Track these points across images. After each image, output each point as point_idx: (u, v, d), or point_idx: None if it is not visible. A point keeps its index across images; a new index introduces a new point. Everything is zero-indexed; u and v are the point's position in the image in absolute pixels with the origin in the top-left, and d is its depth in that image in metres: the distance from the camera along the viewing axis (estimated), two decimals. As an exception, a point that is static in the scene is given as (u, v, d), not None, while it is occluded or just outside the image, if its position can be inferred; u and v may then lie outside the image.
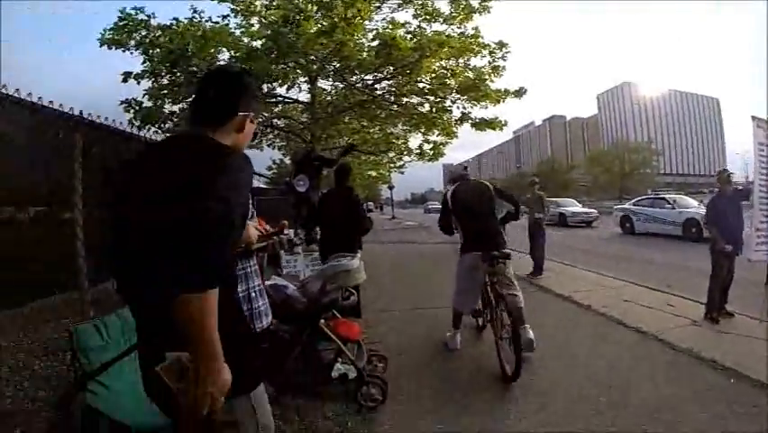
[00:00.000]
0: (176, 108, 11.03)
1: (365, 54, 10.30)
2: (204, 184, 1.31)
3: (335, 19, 9.01)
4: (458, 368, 4.75)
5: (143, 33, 10.21)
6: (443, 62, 11.47)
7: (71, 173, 3.63)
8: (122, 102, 10.35)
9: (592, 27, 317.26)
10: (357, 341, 4.16)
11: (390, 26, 11.97)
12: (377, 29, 11.39)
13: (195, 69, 9.54)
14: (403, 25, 12.05)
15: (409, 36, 11.09)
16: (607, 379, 4.31)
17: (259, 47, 9.62)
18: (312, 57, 10.16)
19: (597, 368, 4.61)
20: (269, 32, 9.96)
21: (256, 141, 13.84)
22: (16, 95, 2.95)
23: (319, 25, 9.01)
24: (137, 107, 10.42)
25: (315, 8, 9.47)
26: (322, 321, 3.83)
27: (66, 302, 5.13)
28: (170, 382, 1.30)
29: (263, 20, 11.49)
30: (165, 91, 10.60)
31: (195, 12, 10.60)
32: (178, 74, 10.01)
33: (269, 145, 16.63)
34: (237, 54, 9.98)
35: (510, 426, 3.52)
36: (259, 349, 1.72)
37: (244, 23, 11.70)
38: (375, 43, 10.42)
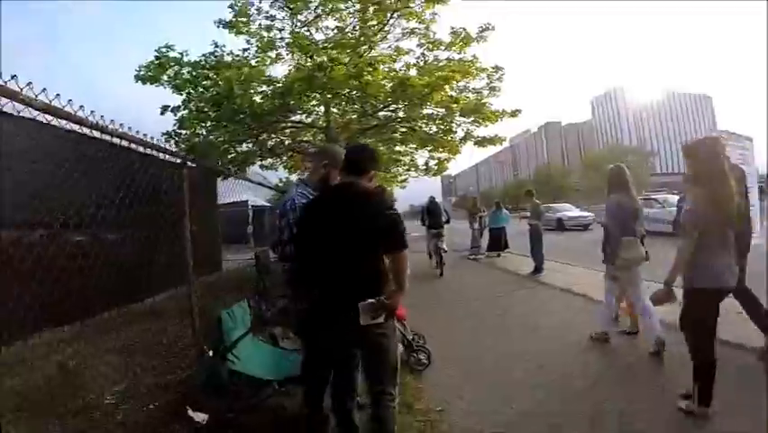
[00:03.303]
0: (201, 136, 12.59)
1: (384, 89, 11.57)
2: (388, 205, 2.83)
3: (361, 65, 10.38)
4: (428, 280, 11.62)
5: (176, 70, 11.60)
6: (448, 92, 12.74)
7: (182, 201, 4.70)
8: (164, 133, 11.70)
9: (582, 31, 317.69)
10: (403, 320, 5.32)
11: (395, 53, 13.32)
12: (381, 56, 12.75)
13: (236, 106, 10.84)
14: (407, 53, 13.42)
15: (417, 71, 12.61)
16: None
17: (293, 84, 10.90)
18: (341, 93, 11.53)
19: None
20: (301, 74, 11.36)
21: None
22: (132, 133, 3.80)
23: (347, 70, 10.27)
24: (177, 138, 11.77)
25: (347, 57, 10.82)
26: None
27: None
28: (364, 312, 2.66)
29: (291, 56, 12.98)
30: (196, 121, 12.02)
31: (216, 46, 12.18)
32: (221, 111, 11.31)
33: (285, 167, 17.96)
34: (278, 90, 11.46)
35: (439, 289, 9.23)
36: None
37: (263, 55, 13.14)
38: (391, 83, 11.82)
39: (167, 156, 4.60)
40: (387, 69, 12.06)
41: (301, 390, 3.73)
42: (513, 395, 4.30)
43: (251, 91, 11.42)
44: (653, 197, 22.72)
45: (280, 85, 11.76)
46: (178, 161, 4.78)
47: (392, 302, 2.75)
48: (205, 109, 11.67)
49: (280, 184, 29.96)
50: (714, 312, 3.47)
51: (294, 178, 21.72)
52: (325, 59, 10.27)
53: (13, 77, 2.34)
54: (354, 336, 2.80)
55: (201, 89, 11.75)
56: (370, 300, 2.67)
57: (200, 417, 3.74)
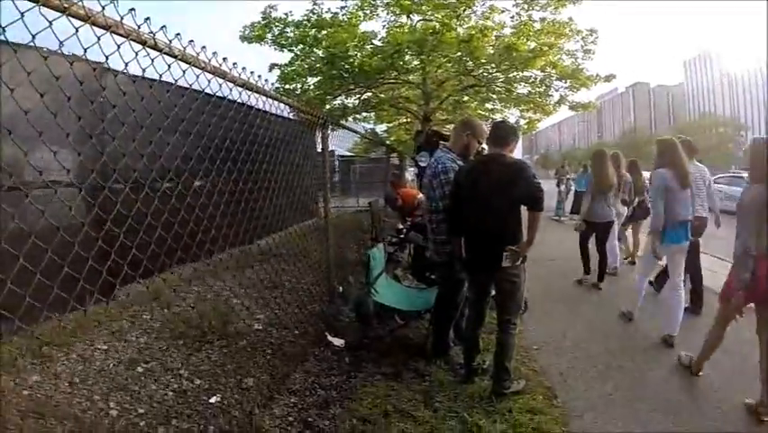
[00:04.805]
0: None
1: (487, 53, 11.92)
2: (532, 174, 3.38)
3: (473, 31, 10.79)
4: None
5: (281, 29, 12.34)
6: (549, 57, 12.90)
7: (324, 154, 5.51)
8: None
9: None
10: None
11: (489, 11, 13.43)
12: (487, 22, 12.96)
13: (347, 65, 11.53)
14: (502, 12, 13.48)
15: (512, 30, 12.76)
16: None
17: (401, 46, 11.43)
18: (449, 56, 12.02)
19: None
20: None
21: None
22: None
23: (458, 34, 10.70)
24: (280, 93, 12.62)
25: (457, 21, 11.23)
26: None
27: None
28: (508, 258, 3.33)
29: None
30: (298, 77, 12.84)
31: (315, 3, 12.70)
32: (334, 70, 12.02)
33: (378, 118, 18.66)
34: (387, 50, 12.05)
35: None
36: None
37: (359, 12, 13.36)
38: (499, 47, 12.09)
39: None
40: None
41: (427, 322, 4.52)
42: (596, 342, 4.81)
43: (363, 51, 12.04)
44: (741, 174, 21.58)
45: (385, 45, 12.28)
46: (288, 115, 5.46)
47: (525, 249, 3.37)
48: (317, 65, 12.38)
49: (366, 134, 31.19)
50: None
51: (380, 129, 22.48)
52: (437, 24, 10.68)
53: (178, 35, 2.27)
54: (494, 275, 3.50)
55: (306, 47, 12.42)
56: (512, 248, 3.33)
57: (338, 342, 4.43)
